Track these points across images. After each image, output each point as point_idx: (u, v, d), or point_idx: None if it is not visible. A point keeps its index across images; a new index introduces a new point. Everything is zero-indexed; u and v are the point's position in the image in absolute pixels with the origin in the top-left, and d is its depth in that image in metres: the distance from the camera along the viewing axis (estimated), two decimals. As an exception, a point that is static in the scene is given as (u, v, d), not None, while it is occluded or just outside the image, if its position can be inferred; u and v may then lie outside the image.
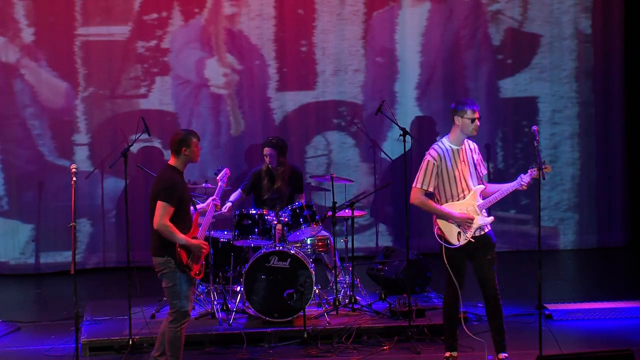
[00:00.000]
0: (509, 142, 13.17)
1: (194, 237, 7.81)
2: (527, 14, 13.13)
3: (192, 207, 8.05)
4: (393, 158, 12.31)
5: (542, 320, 8.03)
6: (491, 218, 8.03)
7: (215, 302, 9.69)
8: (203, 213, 8.51)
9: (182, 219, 7.72)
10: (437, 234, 8.01)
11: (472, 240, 7.92)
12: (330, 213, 9.92)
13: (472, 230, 7.92)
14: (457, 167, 7.98)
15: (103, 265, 12.67)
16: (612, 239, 13.36)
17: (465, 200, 7.98)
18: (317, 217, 9.78)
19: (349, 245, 10.01)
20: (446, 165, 7.96)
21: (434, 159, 7.94)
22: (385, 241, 12.81)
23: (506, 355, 8.08)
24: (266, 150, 10.24)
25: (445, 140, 8.08)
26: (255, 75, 12.84)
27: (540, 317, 8.02)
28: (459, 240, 7.92)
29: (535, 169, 7.87)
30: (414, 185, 7.99)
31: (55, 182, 12.47)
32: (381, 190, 11.98)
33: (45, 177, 12.56)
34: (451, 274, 7.96)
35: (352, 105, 12.95)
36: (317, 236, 9.94)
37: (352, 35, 12.93)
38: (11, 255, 12.57)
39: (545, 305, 9.65)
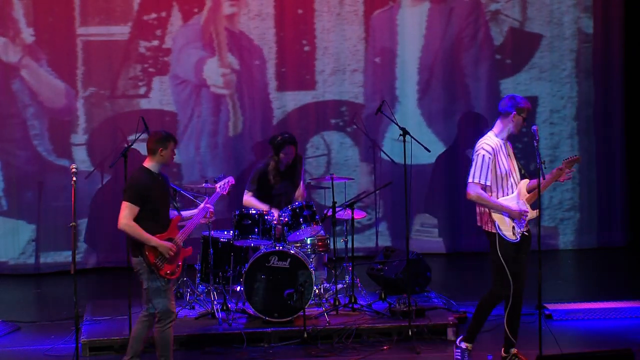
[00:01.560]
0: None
1: (169, 239, 7.81)
2: (527, 14, 13.14)
3: (173, 209, 8.07)
4: (393, 158, 12.29)
5: (542, 320, 8.04)
6: (536, 211, 8.08)
7: (215, 302, 9.69)
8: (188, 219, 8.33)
9: (152, 219, 7.75)
10: (491, 228, 7.97)
11: (526, 233, 7.97)
12: (330, 213, 9.92)
13: (526, 223, 7.98)
14: (507, 160, 8.02)
15: (103, 265, 12.67)
16: (612, 239, 13.37)
17: (514, 194, 8.01)
18: (317, 217, 9.78)
19: (349, 245, 10.01)
20: (499, 159, 7.97)
21: (489, 152, 7.94)
22: (385, 241, 12.81)
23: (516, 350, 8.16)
24: (288, 149, 10.07)
25: (492, 135, 8.07)
26: (255, 75, 12.84)
27: (540, 317, 8.03)
28: (515, 235, 7.94)
29: (568, 159, 7.95)
30: (470, 180, 7.92)
31: (55, 182, 12.47)
32: (381, 190, 11.97)
33: (45, 177, 12.56)
34: (505, 267, 7.90)
35: (352, 105, 12.95)
36: (317, 236, 9.94)
37: (352, 35, 12.93)
38: (11, 255, 12.57)
39: (545, 305, 9.65)
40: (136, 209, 7.70)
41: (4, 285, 12.11)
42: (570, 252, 13.31)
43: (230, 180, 8.77)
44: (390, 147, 12.38)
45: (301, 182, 10.40)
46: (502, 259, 7.92)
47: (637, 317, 9.75)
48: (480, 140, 8.09)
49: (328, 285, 9.99)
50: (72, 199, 7.86)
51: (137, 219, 7.72)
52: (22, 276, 12.43)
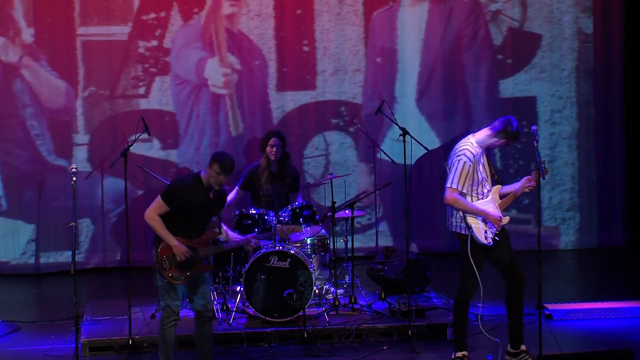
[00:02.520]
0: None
1: (192, 248, 7.81)
2: (527, 14, 13.14)
3: (225, 228, 8.08)
4: (393, 158, 12.29)
5: (542, 320, 8.04)
6: (508, 218, 8.11)
7: (215, 302, 9.68)
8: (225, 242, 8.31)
9: (179, 224, 7.77)
10: (462, 230, 8.01)
11: (497, 239, 7.99)
12: (329, 213, 9.92)
13: (499, 229, 8.02)
14: (484, 168, 8.06)
15: (103, 265, 12.67)
16: (612, 239, 13.37)
17: (489, 199, 8.05)
18: (317, 217, 9.78)
19: (349, 245, 10.01)
20: (478, 166, 8.00)
21: (470, 160, 7.96)
22: (386, 241, 12.81)
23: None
24: (273, 141, 10.18)
25: (473, 140, 8.08)
26: (255, 75, 12.84)
27: (540, 317, 8.03)
28: (486, 239, 7.96)
29: (535, 172, 7.98)
30: (448, 185, 7.96)
31: (55, 182, 12.47)
32: (381, 189, 11.97)
33: (45, 177, 12.56)
34: (475, 269, 7.95)
35: (352, 105, 12.95)
36: (317, 236, 9.94)
37: (352, 35, 12.93)
38: (12, 256, 12.57)
39: (545, 305, 9.65)
40: (166, 207, 7.71)
41: (4, 285, 12.11)
42: (570, 252, 13.31)
43: (296, 228, 8.56)
44: (390, 147, 12.38)
45: (299, 193, 10.44)
46: (472, 260, 7.95)
47: (637, 317, 9.75)
48: (461, 143, 8.10)
49: (329, 285, 10.00)
50: (72, 199, 7.86)
51: (166, 218, 7.72)
52: (22, 276, 12.43)
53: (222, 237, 8.17)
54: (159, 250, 7.77)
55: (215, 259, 9.91)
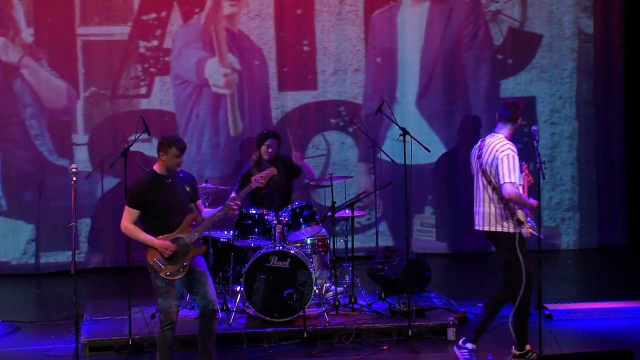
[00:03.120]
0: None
1: (177, 239, 7.82)
2: (527, 14, 13.14)
3: (194, 205, 8.05)
4: (393, 158, 12.29)
5: (542, 320, 8.04)
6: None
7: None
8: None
9: (157, 221, 7.82)
10: (511, 229, 8.03)
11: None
12: (330, 213, 9.92)
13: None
14: None
15: (103, 265, 12.67)
16: (612, 239, 13.37)
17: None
18: (317, 217, 9.78)
19: (349, 245, 10.01)
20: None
21: (515, 152, 7.99)
22: (386, 241, 12.81)
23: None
24: (270, 142, 10.22)
25: (504, 139, 8.10)
26: (255, 75, 12.84)
27: (540, 317, 8.03)
28: (534, 231, 8.03)
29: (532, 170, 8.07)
30: (506, 180, 7.90)
31: (55, 182, 12.47)
32: (382, 189, 11.97)
33: (45, 177, 12.56)
34: (520, 258, 8.00)
35: (352, 105, 12.95)
36: (317, 236, 9.94)
37: (352, 35, 12.93)
38: (12, 256, 12.57)
39: (545, 305, 9.64)
40: (135, 212, 7.80)
41: (4, 285, 12.11)
42: (570, 252, 13.31)
43: (272, 171, 8.53)
44: (390, 147, 12.37)
45: (302, 164, 10.39)
46: (521, 258, 7.99)
47: (637, 317, 9.74)
48: (497, 142, 8.05)
49: (330, 283, 10.00)
50: (72, 199, 7.86)
51: (143, 221, 7.81)
52: (22, 276, 12.43)
53: (205, 214, 8.15)
54: (147, 255, 7.83)
55: (215, 259, 9.91)
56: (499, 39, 13.14)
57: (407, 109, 13.00)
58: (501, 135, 8.14)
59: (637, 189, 13.43)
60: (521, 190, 8.00)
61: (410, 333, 9.01)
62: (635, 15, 13.27)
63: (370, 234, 12.85)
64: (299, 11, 12.86)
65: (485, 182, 8.09)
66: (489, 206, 8.08)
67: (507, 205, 7.98)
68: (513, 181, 7.91)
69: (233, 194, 8.50)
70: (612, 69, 13.26)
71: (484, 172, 8.07)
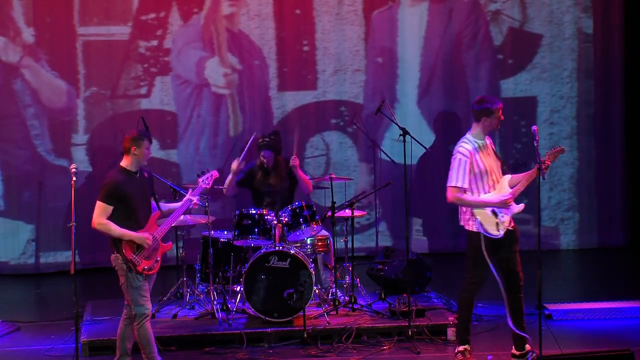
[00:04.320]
0: (509, 142, 13.17)
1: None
2: (527, 14, 13.14)
3: (154, 204, 8.15)
4: (393, 158, 12.30)
5: (542, 320, 8.03)
6: (522, 205, 8.19)
7: (215, 302, 9.69)
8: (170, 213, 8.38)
9: (128, 218, 7.86)
10: (475, 226, 8.04)
11: (510, 228, 8.03)
12: (330, 213, 9.92)
13: (510, 216, 8.05)
14: (485, 160, 8.09)
15: (103, 265, 12.66)
16: (612, 239, 13.36)
17: (496, 191, 8.10)
18: (317, 217, 9.77)
19: (349, 245, 10.00)
20: (476, 160, 8.03)
21: (465, 155, 8.01)
22: (386, 241, 12.80)
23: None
24: (263, 153, 10.24)
25: (469, 136, 8.16)
26: (255, 75, 12.84)
27: (540, 317, 8.03)
28: (498, 231, 8.00)
29: (552, 151, 8.06)
30: (449, 184, 8.03)
31: (54, 182, 12.46)
32: (381, 189, 11.96)
33: (44, 177, 12.56)
34: (488, 261, 8.03)
35: (352, 105, 12.95)
36: (317, 236, 9.94)
37: (352, 35, 12.93)
38: (11, 256, 12.57)
39: (545, 305, 9.65)
40: (109, 208, 7.84)
41: (4, 285, 12.11)
42: (570, 252, 13.30)
43: (214, 174, 8.68)
44: (390, 147, 12.37)
45: (302, 177, 10.40)
46: (486, 257, 7.99)
47: (637, 317, 9.75)
48: (458, 143, 8.17)
49: (329, 283, 10.00)
50: (72, 199, 7.86)
51: (113, 218, 7.84)
52: (22, 276, 12.43)
53: (165, 209, 8.28)
54: (123, 251, 7.85)
55: (215, 259, 9.91)
56: (499, 39, 13.14)
57: (407, 109, 13.00)
58: (468, 134, 8.20)
59: (637, 189, 13.43)
60: (498, 189, 8.00)
61: (410, 333, 9.01)
62: (635, 15, 13.27)
63: (370, 234, 12.84)
64: (298, 11, 12.85)
65: None
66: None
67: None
68: (453, 185, 8.01)
69: (191, 193, 8.49)
70: (612, 69, 13.26)
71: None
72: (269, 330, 9.18)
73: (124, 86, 12.66)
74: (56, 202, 12.44)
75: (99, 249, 12.59)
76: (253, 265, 9.39)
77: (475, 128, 8.20)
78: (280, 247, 9.45)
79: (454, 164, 8.05)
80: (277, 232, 9.65)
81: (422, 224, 13.15)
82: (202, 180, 8.55)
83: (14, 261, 12.58)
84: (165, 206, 8.31)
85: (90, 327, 9.48)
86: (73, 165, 8.10)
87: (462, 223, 8.24)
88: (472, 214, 8.06)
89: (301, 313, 9.07)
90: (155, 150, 12.66)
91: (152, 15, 12.65)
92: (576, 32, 13.22)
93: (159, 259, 7.99)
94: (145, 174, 8.09)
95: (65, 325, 9.67)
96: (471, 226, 8.11)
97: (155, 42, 12.67)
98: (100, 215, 7.84)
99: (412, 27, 13.01)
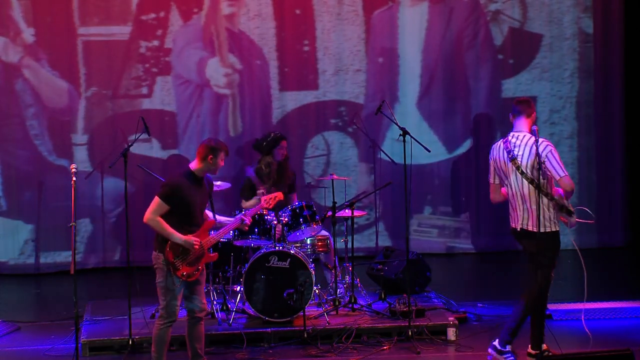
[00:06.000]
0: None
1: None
2: (527, 14, 13.14)
3: (211, 213, 8.09)
4: (393, 158, 12.30)
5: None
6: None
7: (215, 302, 9.69)
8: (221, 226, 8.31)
9: (183, 221, 7.76)
10: (554, 227, 8.36)
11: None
12: (330, 213, 9.92)
13: None
14: None
15: (103, 265, 12.67)
16: (612, 239, 13.36)
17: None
18: (317, 217, 9.78)
19: (349, 245, 10.01)
20: None
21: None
22: (385, 241, 12.80)
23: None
24: (284, 143, 10.31)
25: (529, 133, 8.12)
26: (255, 75, 12.84)
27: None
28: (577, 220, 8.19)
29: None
30: (564, 174, 7.98)
31: (55, 182, 12.46)
32: (381, 189, 11.96)
33: (45, 177, 12.56)
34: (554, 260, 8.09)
35: (353, 105, 12.94)
36: (317, 236, 9.94)
37: (352, 35, 12.93)
38: (11, 255, 12.57)
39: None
40: (165, 206, 7.71)
41: (4, 285, 12.11)
42: (570, 252, 13.26)
43: (279, 195, 8.59)
44: (390, 147, 12.37)
45: (294, 195, 10.46)
46: (554, 257, 8.06)
47: (637, 317, 9.75)
48: (537, 139, 8.00)
49: (330, 283, 10.01)
50: (72, 199, 7.86)
51: (167, 218, 7.72)
52: (22, 276, 12.43)
53: (219, 221, 8.20)
54: (166, 253, 7.74)
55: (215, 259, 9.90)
56: (500, 39, 13.14)
57: (408, 109, 13.00)
58: (526, 133, 8.11)
59: (637, 189, 13.43)
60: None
61: (410, 333, 9.02)
62: (635, 15, 13.26)
63: (369, 234, 12.84)
64: (297, 11, 12.85)
65: (527, 182, 8.05)
66: (537, 206, 8.08)
67: (555, 201, 8.06)
68: (568, 173, 8.02)
69: (244, 213, 8.42)
70: (612, 69, 13.26)
71: (523, 173, 8.03)
72: (269, 330, 9.18)
73: (125, 86, 12.66)
74: (56, 202, 12.44)
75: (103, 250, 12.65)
76: (253, 265, 9.39)
77: (531, 126, 8.13)
78: (280, 247, 9.46)
79: (555, 155, 7.95)
80: (277, 232, 9.66)
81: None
82: (265, 200, 8.46)
83: (13, 261, 12.58)
84: (219, 218, 8.19)
85: (90, 327, 9.48)
86: (73, 165, 8.09)
87: (536, 228, 8.17)
88: (560, 209, 8.15)
89: (301, 313, 9.07)
90: (155, 150, 12.68)
91: (152, 15, 12.65)
92: (576, 32, 13.22)
93: (200, 268, 7.87)
94: (205, 182, 7.98)
95: (65, 325, 9.66)
96: (553, 226, 8.30)
97: (156, 42, 12.67)
98: (154, 211, 7.71)
99: (412, 27, 13.01)
